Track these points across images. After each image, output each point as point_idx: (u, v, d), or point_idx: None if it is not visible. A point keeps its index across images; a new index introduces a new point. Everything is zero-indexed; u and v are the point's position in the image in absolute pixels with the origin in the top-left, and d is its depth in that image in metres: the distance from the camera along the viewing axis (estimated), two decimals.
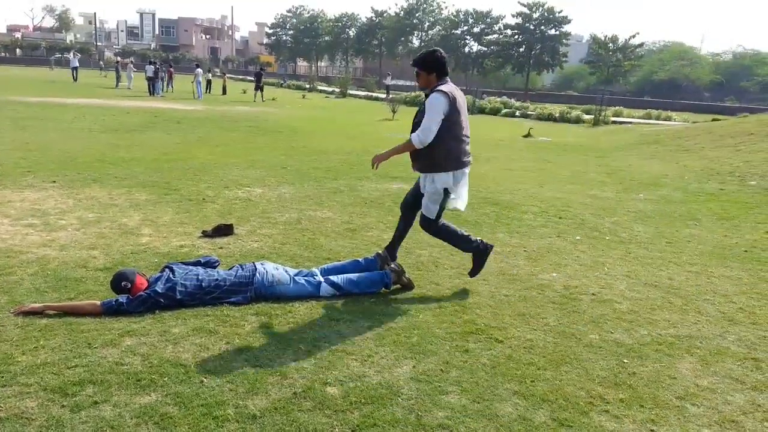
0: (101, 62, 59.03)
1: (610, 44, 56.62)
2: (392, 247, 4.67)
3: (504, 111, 28.72)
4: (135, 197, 6.73)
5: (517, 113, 28.37)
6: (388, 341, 3.39)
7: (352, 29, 76.32)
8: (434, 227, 4.39)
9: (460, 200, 4.32)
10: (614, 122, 23.76)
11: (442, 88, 4.11)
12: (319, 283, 4.01)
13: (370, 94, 43.04)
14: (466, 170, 4.30)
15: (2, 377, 2.76)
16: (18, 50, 74.50)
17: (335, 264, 4.39)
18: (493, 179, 9.52)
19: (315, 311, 3.76)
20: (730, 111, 35.38)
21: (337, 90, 42.21)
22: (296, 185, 8.03)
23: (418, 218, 4.51)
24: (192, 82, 28.85)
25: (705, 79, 65.21)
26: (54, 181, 7.35)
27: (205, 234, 5.33)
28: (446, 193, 4.22)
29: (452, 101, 4.09)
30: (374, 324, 3.62)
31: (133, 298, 3.57)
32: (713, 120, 19.39)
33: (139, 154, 10.01)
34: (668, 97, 55.03)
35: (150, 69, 29.32)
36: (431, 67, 4.19)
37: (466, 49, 66.50)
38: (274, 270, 3.97)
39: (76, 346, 3.10)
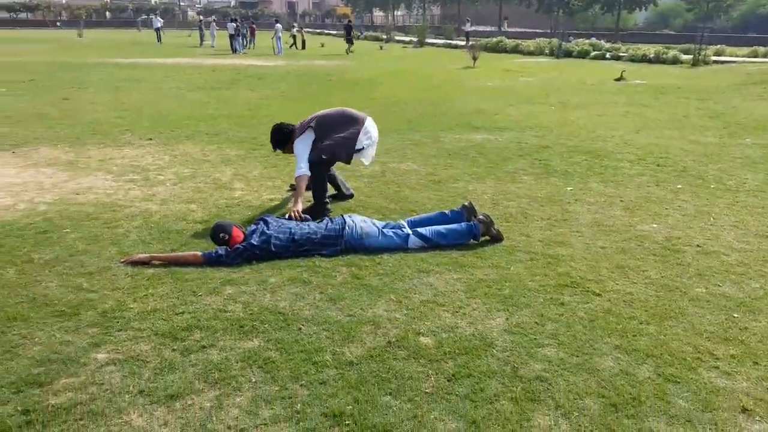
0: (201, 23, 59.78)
1: None
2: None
3: (593, 53, 27.13)
4: (226, 153, 6.95)
5: (608, 55, 26.72)
6: (479, 293, 3.34)
7: None
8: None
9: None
10: (716, 62, 21.92)
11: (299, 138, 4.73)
12: (407, 235, 4.00)
13: (449, 42, 41.85)
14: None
15: (117, 322, 2.96)
16: (107, 13, 77.89)
17: (422, 216, 4.36)
18: (583, 126, 9.08)
19: (404, 263, 3.77)
20: None
21: (415, 39, 41.37)
22: (378, 138, 7.99)
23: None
24: (272, 38, 29.17)
25: None
26: (150, 139, 7.70)
27: (293, 188, 5.43)
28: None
29: (315, 128, 4.72)
30: (464, 276, 3.58)
31: (231, 250, 3.71)
32: None
33: (226, 110, 10.29)
34: None
35: (231, 26, 29.85)
36: (284, 141, 4.85)
37: None
38: (362, 223, 4.00)
39: (182, 294, 3.27)
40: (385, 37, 46.62)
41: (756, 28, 54.63)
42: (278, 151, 5.00)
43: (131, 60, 21.55)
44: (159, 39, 35.05)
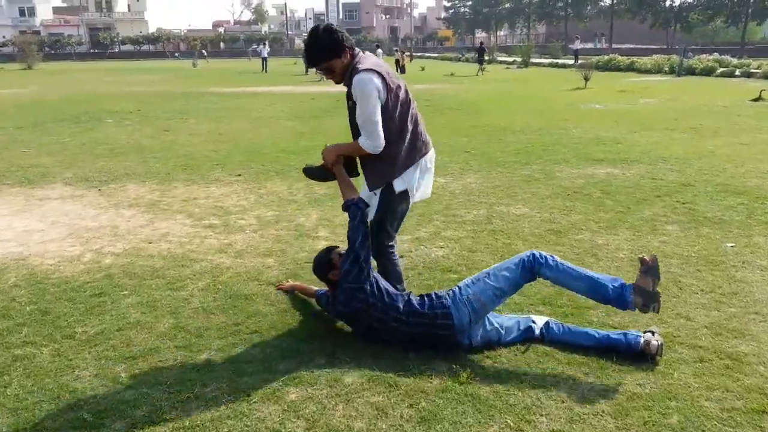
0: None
1: None
2: None
3: (719, 70, 24.69)
4: (314, 191, 6.34)
5: (737, 72, 24.20)
6: (636, 420, 2.36)
7: None
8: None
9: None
10: None
11: (365, 65, 2.95)
12: (541, 338, 3.00)
13: (555, 61, 40.17)
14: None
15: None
16: (221, 44, 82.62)
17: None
18: (727, 158, 7.67)
19: (522, 359, 2.85)
20: None
21: (519, 59, 39.99)
22: (482, 173, 7.10)
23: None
24: None
25: None
26: (239, 175, 7.28)
27: (309, 173, 3.43)
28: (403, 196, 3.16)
29: (385, 79, 2.95)
30: (609, 384, 2.61)
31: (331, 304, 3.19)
32: None
33: (320, 141, 9.74)
34: None
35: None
36: (332, 51, 2.95)
37: (667, 3, 59.25)
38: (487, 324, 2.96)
39: (234, 398, 2.56)
40: (487, 57, 45.55)
41: None
42: (315, 71, 3.55)
43: (235, 89, 22.07)
44: (264, 68, 35.72)
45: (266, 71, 34.60)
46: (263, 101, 17.22)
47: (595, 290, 2.88)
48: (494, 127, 10.97)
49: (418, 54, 63.94)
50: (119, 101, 16.90)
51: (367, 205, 3.09)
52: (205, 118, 13.15)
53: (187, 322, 3.30)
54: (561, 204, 5.64)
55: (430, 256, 4.33)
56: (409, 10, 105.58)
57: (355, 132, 3.04)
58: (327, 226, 5.10)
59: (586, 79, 20.75)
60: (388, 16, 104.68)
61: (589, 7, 65.39)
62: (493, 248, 4.45)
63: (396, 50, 41.88)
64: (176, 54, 71.17)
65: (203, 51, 63.97)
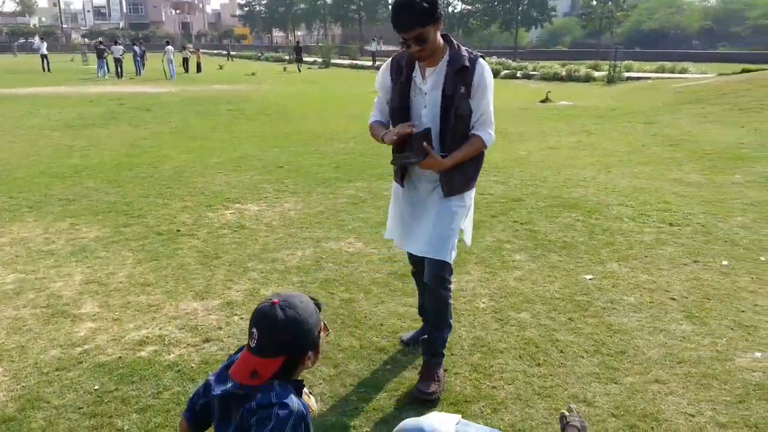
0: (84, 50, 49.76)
1: None
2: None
3: (503, 73, 26.57)
4: (81, 236, 4.76)
5: (519, 74, 26.26)
6: None
7: None
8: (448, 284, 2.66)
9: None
10: (629, 78, 21.75)
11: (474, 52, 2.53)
12: None
13: (354, 62, 40.61)
14: None
15: None
16: None
17: None
18: (543, 164, 7.60)
19: None
20: (745, 58, 33.34)
21: (320, 60, 39.66)
22: (302, 194, 6.08)
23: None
24: (162, 62, 26.39)
25: (694, 26, 63.26)
26: None
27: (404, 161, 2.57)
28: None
29: None
30: None
31: None
32: (743, 71, 17.45)
33: (95, 158, 7.96)
34: (655, 46, 52.77)
35: (118, 49, 26.83)
36: (431, 15, 2.31)
37: (450, 9, 63.69)
38: None
39: None
40: (287, 57, 44.59)
41: (639, 44, 57.60)
42: (410, 45, 2.35)
43: (8, 90, 18.23)
44: (46, 67, 29.57)
45: (49, 70, 29.36)
46: (27, 106, 14.24)
47: None
48: (308, 135, 10.01)
49: (215, 52, 60.69)
50: None
51: None
52: None
53: None
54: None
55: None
56: (201, 6, 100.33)
57: (445, 125, 2.49)
58: (95, 296, 3.66)
59: None
60: (178, 11, 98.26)
61: (380, 10, 67.64)
62: (332, 310, 3.44)
63: (189, 47, 38.78)
64: None
65: None
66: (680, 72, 24.10)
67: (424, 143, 2.38)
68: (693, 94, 14.14)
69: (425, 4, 2.26)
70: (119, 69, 26.14)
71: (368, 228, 4.95)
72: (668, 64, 25.41)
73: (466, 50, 2.48)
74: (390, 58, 2.60)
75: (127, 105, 14.67)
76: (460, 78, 2.42)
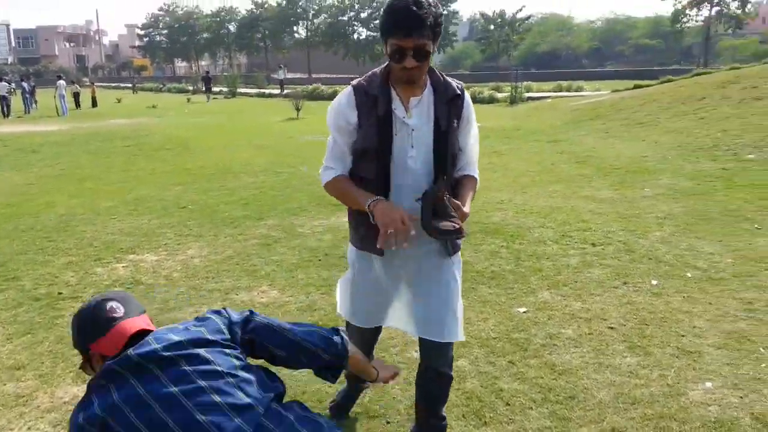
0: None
1: (498, 19, 56.75)
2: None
3: None
4: None
5: None
6: None
7: (232, 24, 71.84)
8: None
9: None
10: (530, 98, 22.58)
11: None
12: None
13: (262, 91, 39.92)
14: None
15: None
16: None
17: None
18: None
19: None
20: (631, 76, 35.68)
21: (225, 89, 38.67)
22: (207, 238, 5.54)
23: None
24: (54, 97, 24.67)
25: (584, 47, 67.60)
26: None
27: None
28: None
29: None
30: None
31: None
32: (635, 87, 18.52)
33: None
34: (550, 67, 55.87)
35: (3, 86, 24.80)
36: (438, 31, 1.89)
37: (356, 36, 64.48)
38: None
39: None
40: (191, 88, 43.20)
41: (534, 65, 60.74)
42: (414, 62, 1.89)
43: None
44: None
45: None
46: None
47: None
48: (214, 169, 9.41)
49: (113, 85, 57.94)
50: None
51: None
52: None
53: None
54: (315, 275, 4.42)
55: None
56: (97, 38, 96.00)
57: (440, 164, 2.01)
58: None
59: (298, 109, 20.42)
60: (72, 44, 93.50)
61: (286, 38, 67.39)
62: None
63: (85, 81, 36.46)
64: None
65: None
66: (576, 90, 25.37)
67: (447, 197, 1.87)
68: (592, 111, 14.74)
69: (436, 13, 1.83)
70: (5, 108, 24.13)
71: (283, 272, 4.51)
72: (564, 83, 26.68)
73: (444, 76, 2.05)
74: (349, 88, 2.00)
75: (11, 147, 13.38)
76: (452, 109, 1.99)
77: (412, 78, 1.90)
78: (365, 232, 2.02)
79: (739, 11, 46.92)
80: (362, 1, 62.38)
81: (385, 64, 2.00)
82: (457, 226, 1.82)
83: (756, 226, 5.22)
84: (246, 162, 10.09)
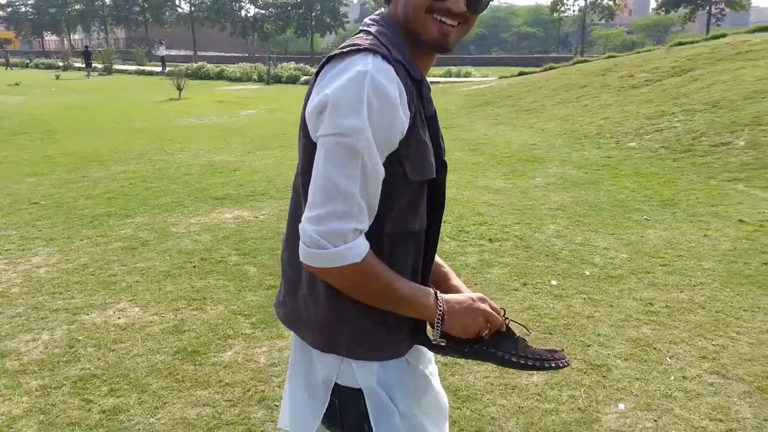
0: None
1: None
2: None
3: (303, 78, 26.11)
4: None
5: None
6: None
7: None
8: None
9: None
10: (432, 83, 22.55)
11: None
12: None
13: (141, 68, 37.21)
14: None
15: None
16: None
17: None
18: None
19: None
20: (515, 62, 36.99)
21: (100, 66, 35.59)
22: (59, 241, 4.74)
23: None
24: None
25: (470, 33, 69.51)
26: None
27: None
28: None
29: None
30: None
31: None
32: (520, 74, 19.01)
33: None
34: None
35: None
36: None
37: (243, 13, 61.96)
38: None
39: None
40: (61, 63, 39.40)
41: None
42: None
43: None
44: None
45: None
46: None
47: None
48: (78, 157, 8.35)
49: None
50: None
51: None
52: None
53: None
54: (187, 285, 3.85)
55: None
56: None
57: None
58: None
59: (180, 88, 19.06)
60: None
61: (167, 13, 63.34)
62: (87, 430, 2.40)
63: None
64: None
65: None
66: (465, 76, 25.77)
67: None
68: (482, 97, 14.88)
69: None
70: None
71: (148, 283, 3.89)
72: (454, 69, 27.03)
73: None
74: (385, 64, 1.07)
75: None
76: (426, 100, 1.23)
77: (445, 39, 1.14)
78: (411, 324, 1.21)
79: (610, 2, 50.02)
80: None
81: (382, 16, 1.20)
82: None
83: (645, 217, 5.27)
84: (117, 148, 9.08)
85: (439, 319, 1.15)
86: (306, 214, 1.06)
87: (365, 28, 1.17)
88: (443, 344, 1.20)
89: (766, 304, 3.44)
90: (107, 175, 7.23)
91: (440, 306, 1.15)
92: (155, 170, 7.51)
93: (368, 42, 1.10)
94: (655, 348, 2.97)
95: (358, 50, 1.08)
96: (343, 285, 1.11)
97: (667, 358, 2.87)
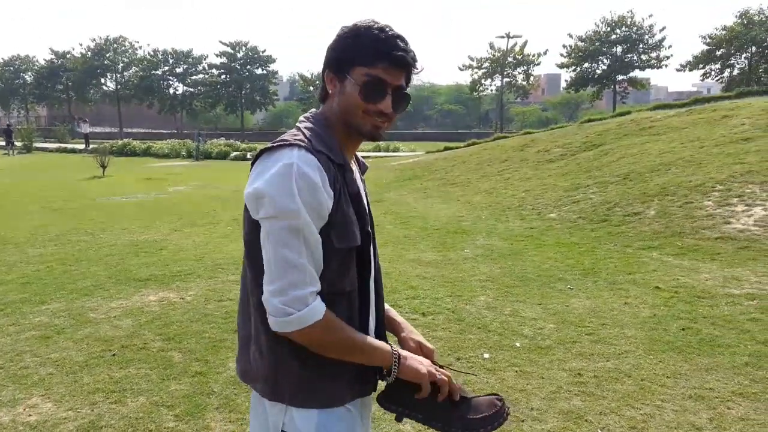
0: None
1: (317, 81, 58.34)
2: None
3: (233, 154, 26.12)
4: None
5: (248, 155, 26.04)
6: None
7: (29, 73, 64.84)
8: None
9: None
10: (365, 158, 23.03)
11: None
12: None
13: (63, 146, 36.14)
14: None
15: None
16: None
17: None
18: None
19: None
20: (439, 137, 38.53)
21: (20, 144, 34.28)
22: None
23: None
24: None
25: None
26: None
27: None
28: None
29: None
30: None
31: None
32: (445, 149, 19.79)
33: None
34: None
35: None
36: None
37: (171, 91, 61.88)
38: None
39: None
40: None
41: None
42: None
43: None
44: None
45: None
46: None
47: None
48: None
49: None
50: None
51: None
52: None
53: None
54: (106, 376, 3.61)
55: None
56: None
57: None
58: None
59: (104, 166, 18.59)
60: None
61: (92, 91, 62.35)
62: None
63: None
64: None
65: None
66: (393, 150, 26.58)
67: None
68: (410, 171, 15.32)
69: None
70: None
71: (63, 375, 3.63)
72: (382, 144, 27.83)
73: None
74: (308, 155, 1.28)
75: None
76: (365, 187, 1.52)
77: (377, 131, 1.38)
78: (358, 371, 1.37)
79: (524, 82, 53.54)
80: (177, 56, 60.25)
81: (313, 114, 1.41)
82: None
83: (569, 286, 5.47)
84: (34, 230, 8.65)
85: (395, 360, 1.34)
86: (267, 288, 1.25)
87: (298, 124, 1.40)
88: (394, 402, 1.38)
89: (686, 371, 3.60)
90: (22, 258, 6.84)
91: (395, 351, 1.36)
92: (75, 252, 7.17)
93: (296, 138, 1.32)
94: (586, 420, 3.03)
95: (286, 145, 1.30)
96: (314, 342, 1.29)
97: (599, 430, 2.93)
